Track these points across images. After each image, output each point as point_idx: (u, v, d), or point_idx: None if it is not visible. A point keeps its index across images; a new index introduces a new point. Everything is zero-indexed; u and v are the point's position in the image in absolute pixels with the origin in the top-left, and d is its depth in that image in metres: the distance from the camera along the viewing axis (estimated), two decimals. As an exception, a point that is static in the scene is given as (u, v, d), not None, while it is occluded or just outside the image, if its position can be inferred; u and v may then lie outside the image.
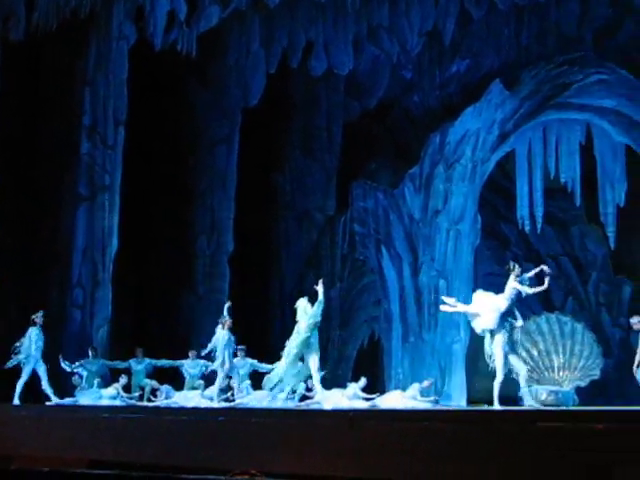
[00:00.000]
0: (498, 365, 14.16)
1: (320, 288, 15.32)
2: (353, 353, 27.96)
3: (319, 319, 15.43)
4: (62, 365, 19.08)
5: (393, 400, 16.35)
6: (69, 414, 15.07)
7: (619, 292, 27.47)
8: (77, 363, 19.22)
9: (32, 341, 17.48)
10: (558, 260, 28.29)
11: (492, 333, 14.27)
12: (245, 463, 10.10)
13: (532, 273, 15.08)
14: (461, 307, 15.01)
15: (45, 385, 17.75)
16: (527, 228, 26.63)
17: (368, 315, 28.36)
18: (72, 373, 19.12)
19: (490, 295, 14.75)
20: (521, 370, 14.97)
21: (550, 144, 26.40)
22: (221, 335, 16.52)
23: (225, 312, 16.63)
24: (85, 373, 19.05)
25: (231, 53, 26.82)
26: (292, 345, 15.40)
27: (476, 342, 26.26)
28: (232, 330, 16.56)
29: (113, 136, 24.01)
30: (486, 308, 14.40)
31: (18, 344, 17.56)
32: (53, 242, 23.38)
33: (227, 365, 16.44)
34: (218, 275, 26.68)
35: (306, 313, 15.34)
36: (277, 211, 29.27)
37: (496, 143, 25.15)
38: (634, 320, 15.69)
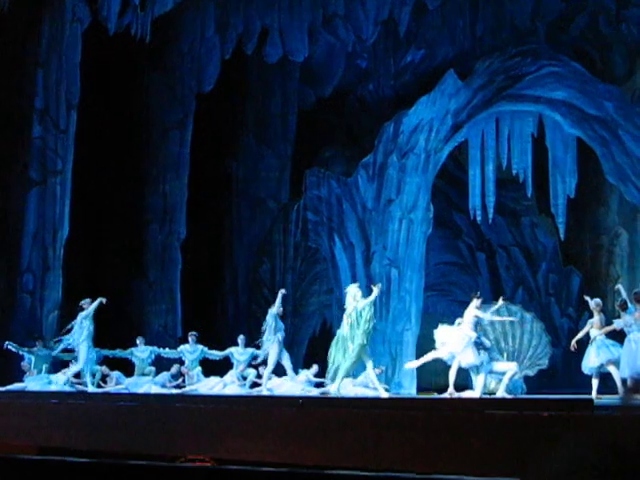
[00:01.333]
0: (479, 385, 14.50)
1: (376, 290, 15.18)
2: (305, 340, 28.03)
3: (373, 322, 15.41)
4: (8, 347, 18.90)
5: (344, 388, 16.42)
6: (18, 400, 14.94)
7: (568, 282, 27.81)
8: (25, 349, 19.06)
9: (83, 327, 17.46)
10: (509, 250, 28.58)
11: (477, 368, 14.63)
12: (195, 449, 10.10)
13: (495, 308, 15.46)
14: (431, 355, 15.19)
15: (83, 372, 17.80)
16: (479, 218, 26.82)
17: (320, 303, 28.43)
18: (22, 358, 18.96)
19: (452, 329, 14.97)
20: (510, 370, 15.35)
21: (502, 135, 26.60)
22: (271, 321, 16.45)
23: (279, 300, 16.46)
24: (33, 358, 18.88)
25: (186, 38, 26.66)
26: (354, 340, 15.07)
27: (427, 330, 26.51)
28: (281, 318, 16.48)
29: (65, 120, 23.76)
30: (458, 345, 14.61)
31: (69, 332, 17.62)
32: (3, 227, 23.11)
33: (276, 350, 16.21)
34: (170, 261, 26.57)
35: (355, 300, 15.20)
36: (230, 198, 29.19)
37: (449, 133, 25.27)
38: (592, 304, 16.01)
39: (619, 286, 17.20)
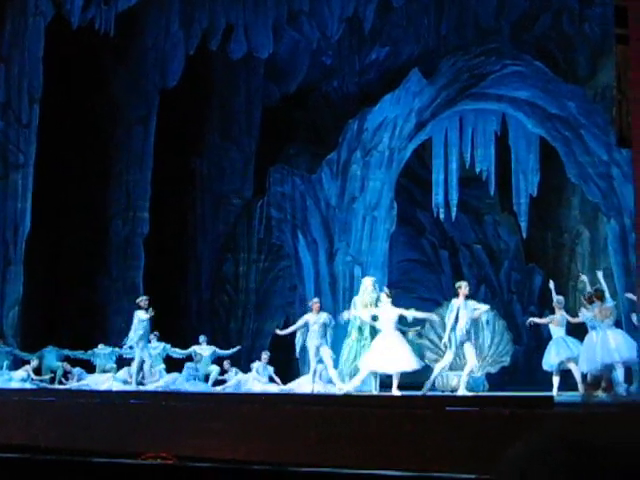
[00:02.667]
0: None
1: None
2: (268, 338, 28.00)
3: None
4: None
5: (305, 385, 16.52)
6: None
7: (530, 281, 28.01)
8: None
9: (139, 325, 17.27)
10: (472, 248, 28.74)
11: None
12: (156, 446, 10.07)
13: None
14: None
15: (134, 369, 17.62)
16: (442, 216, 26.93)
17: (284, 300, 28.42)
18: None
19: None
20: (446, 362, 15.66)
21: (466, 133, 26.73)
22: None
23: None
24: None
25: (150, 33, 26.53)
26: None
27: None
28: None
29: (28, 114, 23.56)
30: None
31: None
32: (-37, 221, 22.91)
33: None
34: (133, 257, 26.45)
35: (365, 292, 15.85)
36: (194, 194, 29.10)
37: (413, 131, 25.34)
38: (555, 301, 16.25)
39: (584, 277, 17.40)
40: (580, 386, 15.38)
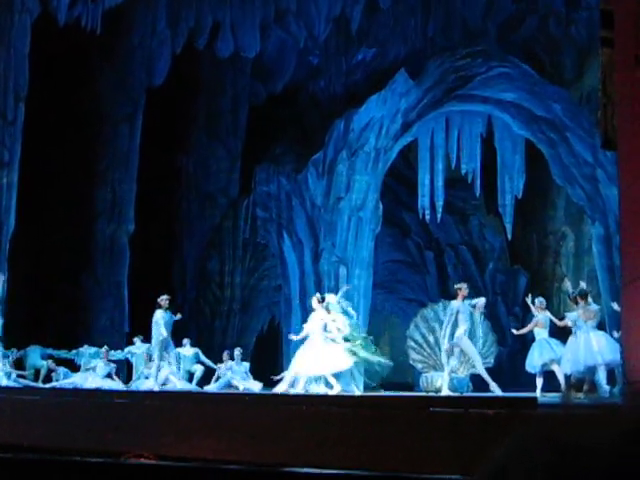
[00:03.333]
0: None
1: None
2: (253, 337, 28.01)
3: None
4: None
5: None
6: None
7: (515, 282, 28.09)
8: None
9: (160, 324, 16.94)
10: (457, 249, 28.79)
11: None
12: (139, 446, 10.05)
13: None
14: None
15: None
16: (427, 217, 26.95)
17: (269, 300, 28.44)
18: None
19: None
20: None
21: (452, 135, 26.76)
22: None
23: None
24: None
25: (136, 31, 26.49)
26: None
27: (374, 328, 26.59)
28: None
29: (13, 112, 23.45)
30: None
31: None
32: (-53, 218, 22.80)
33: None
34: (118, 256, 26.40)
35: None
36: (180, 193, 29.08)
37: (399, 132, 25.36)
38: (537, 302, 16.37)
39: (568, 284, 17.51)
40: (563, 387, 15.44)
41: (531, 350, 16.40)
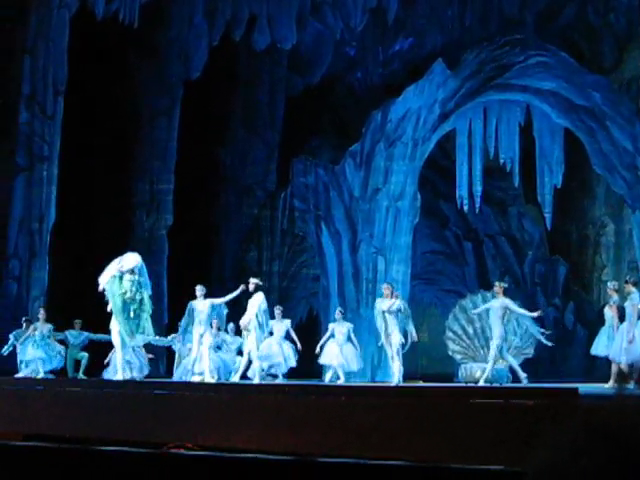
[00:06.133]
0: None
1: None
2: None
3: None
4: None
5: None
6: (3, 387, 14.91)
7: (554, 272, 27.87)
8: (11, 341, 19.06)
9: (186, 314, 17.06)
10: (495, 239, 28.62)
11: None
12: (180, 437, 10.11)
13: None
14: None
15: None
16: (466, 207, 26.82)
17: (307, 291, 28.45)
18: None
19: None
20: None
21: (490, 124, 26.60)
22: None
23: None
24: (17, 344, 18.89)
25: (173, 24, 26.58)
26: None
27: (414, 319, 26.48)
28: None
29: (52, 106, 23.67)
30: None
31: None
32: (-11, 212, 23.05)
33: None
34: (157, 248, 26.53)
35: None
36: (218, 185, 29.15)
37: (437, 122, 25.25)
38: (610, 285, 16.06)
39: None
40: (614, 377, 15.25)
41: (600, 334, 16.15)
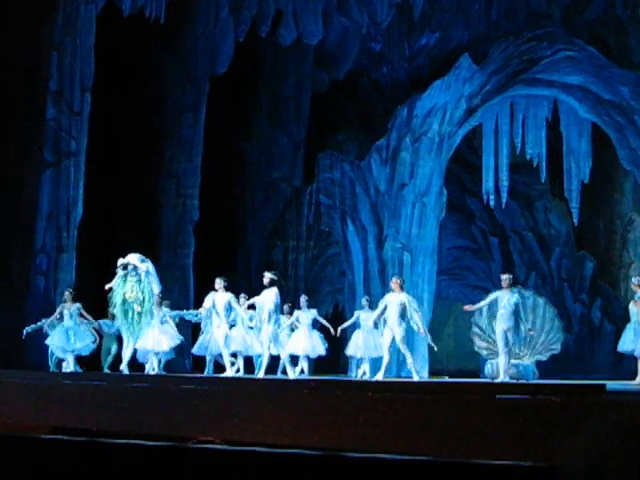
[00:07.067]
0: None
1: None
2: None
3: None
4: (27, 332, 19.21)
5: None
6: (31, 381, 15.02)
7: (581, 268, 27.72)
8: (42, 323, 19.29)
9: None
10: (522, 235, 28.50)
11: None
12: (207, 431, 10.14)
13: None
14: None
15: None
16: (492, 202, 26.72)
17: (333, 286, 28.46)
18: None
19: None
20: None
21: (517, 119, 26.48)
22: None
23: None
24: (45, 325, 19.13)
25: (200, 20, 26.62)
26: None
27: (439, 315, 26.51)
28: None
29: (79, 102, 23.77)
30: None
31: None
32: (17, 208, 23.17)
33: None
34: (183, 243, 26.61)
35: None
36: (244, 181, 29.19)
37: (463, 117, 25.16)
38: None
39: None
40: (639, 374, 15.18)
41: (626, 330, 16.05)
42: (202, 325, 18.36)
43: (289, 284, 28.05)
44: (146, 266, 16.57)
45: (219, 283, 16.91)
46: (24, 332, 19.25)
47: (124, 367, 16.98)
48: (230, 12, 25.87)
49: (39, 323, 19.21)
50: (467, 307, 16.50)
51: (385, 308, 15.82)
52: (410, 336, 24.51)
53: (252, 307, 17.17)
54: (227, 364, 16.71)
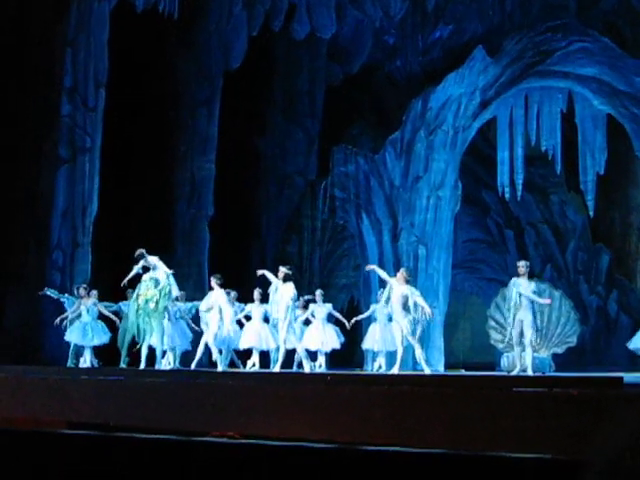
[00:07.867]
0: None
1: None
2: (332, 317, 28.04)
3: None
4: (47, 292, 19.43)
5: None
6: (48, 376, 15.07)
7: (597, 260, 27.64)
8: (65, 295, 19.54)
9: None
10: (537, 227, 28.43)
11: None
12: (223, 426, 10.16)
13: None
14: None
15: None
16: (507, 195, 26.65)
17: (348, 280, 28.46)
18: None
19: None
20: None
21: (531, 111, 26.39)
22: None
23: None
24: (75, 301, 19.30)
25: (213, 15, 26.62)
26: None
27: (455, 308, 26.45)
28: None
29: (94, 98, 23.83)
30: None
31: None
32: (33, 204, 23.25)
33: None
34: (198, 238, 26.65)
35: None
36: (258, 175, 29.22)
37: (478, 110, 25.09)
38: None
39: None
40: None
41: None
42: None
43: (304, 278, 28.07)
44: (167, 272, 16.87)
45: (214, 281, 17.17)
46: (45, 290, 19.55)
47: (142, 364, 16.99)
48: (243, 7, 25.87)
49: (63, 298, 19.49)
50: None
51: (391, 288, 15.75)
52: (426, 329, 24.56)
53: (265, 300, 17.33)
54: (217, 359, 16.68)
